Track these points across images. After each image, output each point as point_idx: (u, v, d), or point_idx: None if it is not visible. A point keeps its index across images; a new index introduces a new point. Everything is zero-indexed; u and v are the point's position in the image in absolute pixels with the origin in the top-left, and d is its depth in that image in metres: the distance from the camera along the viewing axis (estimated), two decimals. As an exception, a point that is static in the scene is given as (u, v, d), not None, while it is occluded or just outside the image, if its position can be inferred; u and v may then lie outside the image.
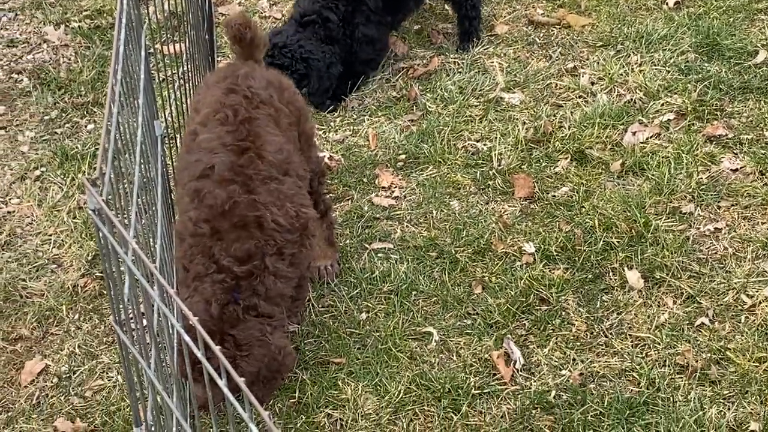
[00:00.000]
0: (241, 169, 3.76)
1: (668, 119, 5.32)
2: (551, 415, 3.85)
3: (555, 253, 4.52)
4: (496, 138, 5.27)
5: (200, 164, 3.81)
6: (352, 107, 5.66)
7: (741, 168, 4.94)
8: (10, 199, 5.21)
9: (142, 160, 3.27)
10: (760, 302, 4.22)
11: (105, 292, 4.47)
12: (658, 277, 4.38)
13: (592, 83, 5.67)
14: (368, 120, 5.53)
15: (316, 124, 5.52)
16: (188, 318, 3.33)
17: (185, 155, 3.94)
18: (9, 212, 5.12)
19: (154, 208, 3.62)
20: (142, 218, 3.45)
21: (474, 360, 4.09)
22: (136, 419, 2.82)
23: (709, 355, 4.02)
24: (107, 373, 4.17)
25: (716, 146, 5.10)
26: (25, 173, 5.32)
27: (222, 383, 2.10)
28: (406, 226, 4.79)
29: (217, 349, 2.09)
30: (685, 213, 4.71)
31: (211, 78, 4.18)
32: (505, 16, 6.20)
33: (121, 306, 2.63)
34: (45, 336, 4.40)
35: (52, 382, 4.17)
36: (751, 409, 3.80)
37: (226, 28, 4.18)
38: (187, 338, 2.19)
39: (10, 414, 4.06)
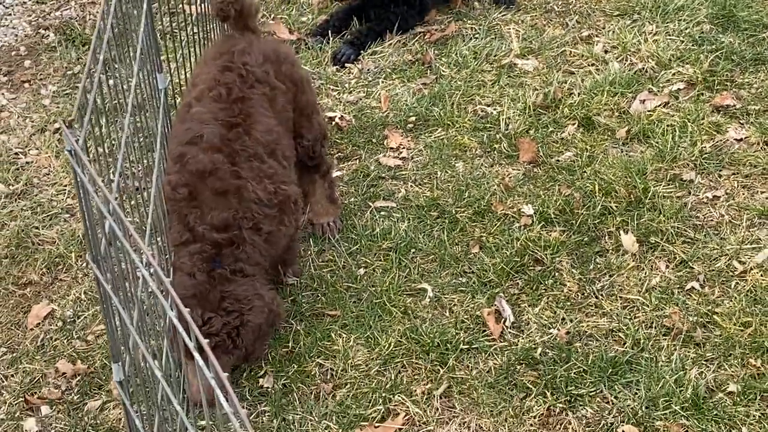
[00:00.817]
0: (229, 142, 3.88)
1: (678, 89, 5.36)
2: (535, 371, 3.93)
3: (553, 216, 4.59)
4: (506, 103, 5.34)
5: (190, 132, 3.93)
6: (368, 69, 5.75)
7: (746, 138, 4.97)
8: (29, 150, 5.36)
9: (135, 110, 3.38)
10: (751, 269, 4.27)
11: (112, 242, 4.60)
12: (653, 241, 4.44)
13: (606, 51, 5.71)
14: (382, 82, 5.62)
15: (332, 85, 5.62)
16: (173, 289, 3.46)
17: (177, 125, 4.06)
18: (27, 162, 5.28)
19: (152, 157, 3.74)
20: (134, 166, 3.57)
21: (466, 317, 4.18)
22: (114, 355, 2.95)
23: (696, 318, 4.08)
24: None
25: (723, 116, 5.14)
26: (45, 126, 5.47)
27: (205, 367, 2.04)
28: (411, 186, 4.88)
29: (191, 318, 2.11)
30: (685, 180, 4.76)
31: (209, 53, 4.27)
32: (524, -16, 6.25)
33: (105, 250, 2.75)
34: (53, 282, 4.55)
35: (56, 325, 4.31)
36: (732, 372, 3.86)
37: (212, 6, 4.25)
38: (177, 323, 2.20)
39: (14, 354, 4.22)
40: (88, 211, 2.68)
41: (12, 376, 4.14)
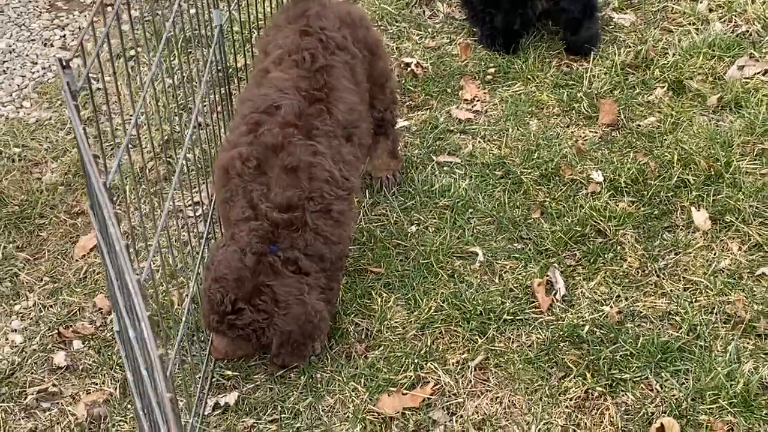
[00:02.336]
0: (308, 118, 3.60)
1: (783, 56, 4.98)
2: (579, 350, 3.70)
3: (624, 185, 4.32)
4: (594, 59, 5.04)
5: (267, 99, 3.63)
6: (454, 16, 5.50)
7: None
8: (104, 75, 5.28)
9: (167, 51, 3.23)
10: (828, 257, 3.94)
11: (167, 177, 4.50)
12: (728, 220, 4.14)
13: (710, 10, 5.36)
14: (467, 30, 5.37)
15: (414, 29, 5.40)
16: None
17: (253, 88, 3.80)
18: (98, 89, 5.20)
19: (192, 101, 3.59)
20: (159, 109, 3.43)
21: (515, 285, 3.97)
22: (113, 304, 2.84)
23: (762, 307, 3.79)
24: (155, 257, 4.20)
25: (827, 89, 4.75)
26: (122, 52, 5.38)
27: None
28: (479, 141, 4.65)
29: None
30: (774, 157, 4.42)
31: (280, 17, 3.99)
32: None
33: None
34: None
35: (100, 259, 4.23)
36: (792, 369, 3.57)
37: None
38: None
39: (56, 285, 4.16)
40: (88, 159, 2.55)
41: (50, 306, 4.09)
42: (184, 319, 3.51)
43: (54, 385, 3.76)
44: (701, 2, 5.38)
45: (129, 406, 3.63)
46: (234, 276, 3.42)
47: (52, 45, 5.73)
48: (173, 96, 4.89)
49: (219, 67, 4.17)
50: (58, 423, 3.64)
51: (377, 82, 4.04)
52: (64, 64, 2.39)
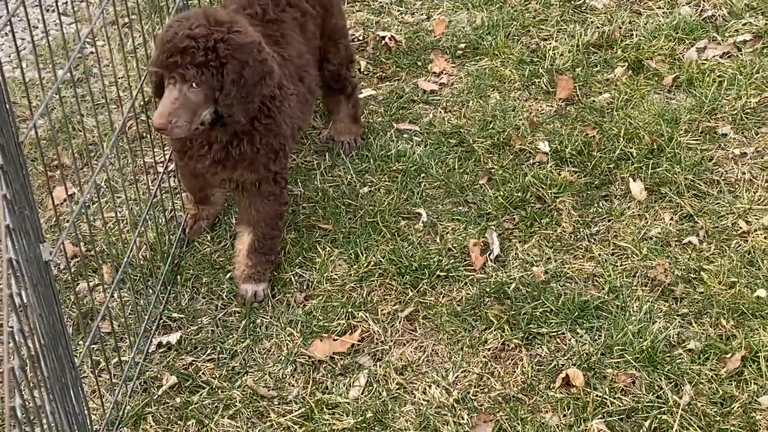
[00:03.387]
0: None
1: (744, 40, 5.15)
2: (502, 305, 3.92)
3: (568, 156, 4.52)
4: (560, 39, 5.24)
5: None
6: (436, -7, 5.72)
7: (797, 97, 4.75)
8: (97, 40, 5.57)
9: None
10: (755, 230, 4.11)
11: (145, 135, 4.77)
12: (663, 192, 4.33)
13: (681, -5, 5.52)
14: (447, 5, 5.58)
15: (396, 4, 5.62)
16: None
17: None
18: (91, 53, 5.49)
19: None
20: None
21: (454, 245, 4.19)
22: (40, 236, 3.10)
23: (682, 273, 3.98)
24: (120, 208, 4.47)
25: (781, 72, 4.91)
26: (116, 19, 5.65)
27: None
28: (440, 111, 4.87)
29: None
30: (718, 134, 4.60)
31: None
32: None
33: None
34: (82, 168, 4.75)
35: (71, 208, 4.51)
36: (699, 330, 3.76)
37: None
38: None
39: (27, 231, 4.44)
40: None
41: (22, 251, 4.35)
42: (125, 259, 3.75)
43: None
44: (672, -13, 5.55)
45: (81, 342, 3.89)
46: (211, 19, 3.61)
47: (53, 11, 6.02)
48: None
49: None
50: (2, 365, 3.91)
51: (331, 37, 4.32)
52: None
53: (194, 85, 3.52)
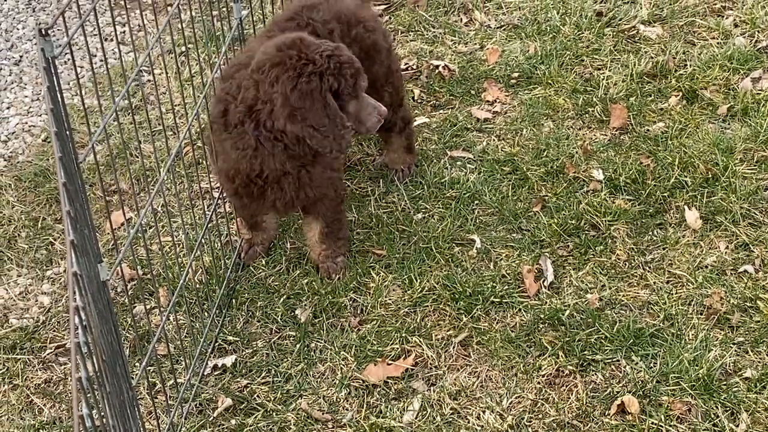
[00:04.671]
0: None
1: (800, 71, 5.13)
2: (556, 332, 3.91)
3: (623, 184, 4.52)
4: (614, 68, 5.25)
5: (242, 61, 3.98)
6: (490, 24, 5.75)
7: None
8: (154, 69, 5.65)
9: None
10: (812, 259, 4.08)
11: (201, 161, 4.83)
12: (718, 220, 4.31)
13: (735, 25, 5.52)
14: (500, 35, 5.61)
15: (450, 35, 5.66)
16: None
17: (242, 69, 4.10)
18: (149, 80, 5.57)
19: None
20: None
21: (508, 272, 4.19)
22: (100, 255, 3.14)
23: (738, 302, 3.95)
24: (176, 232, 4.53)
25: (837, 102, 4.89)
26: (173, 48, 5.74)
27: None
28: (493, 140, 4.89)
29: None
30: (773, 164, 4.58)
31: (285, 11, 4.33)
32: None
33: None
34: (140, 192, 4.81)
35: (128, 233, 4.57)
36: (756, 358, 3.73)
37: None
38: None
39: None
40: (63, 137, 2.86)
41: (80, 274, 4.42)
42: (181, 282, 3.80)
43: (71, 341, 4.09)
44: (726, 18, 5.54)
45: (137, 363, 3.93)
46: None
47: (111, 40, 6.12)
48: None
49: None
50: (71, 375, 3.96)
51: (374, 85, 4.13)
52: (43, 32, 2.65)
53: None
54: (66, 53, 5.98)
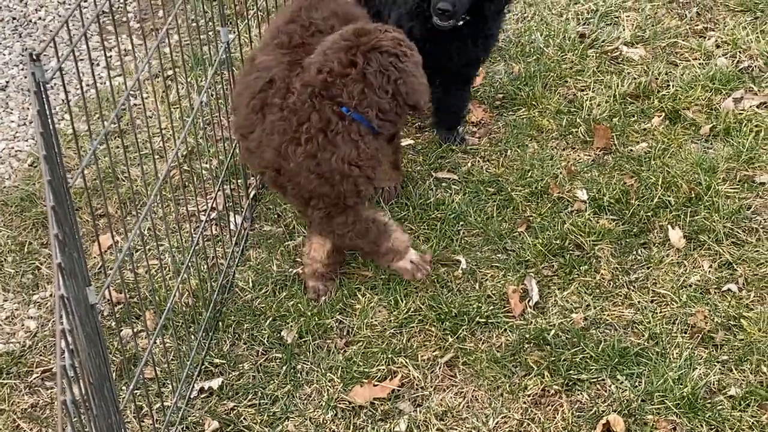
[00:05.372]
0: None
1: (781, 90, 5.18)
2: (542, 352, 3.93)
3: (607, 204, 4.55)
4: (597, 89, 5.29)
5: (259, 80, 4.03)
6: (474, 46, 5.79)
7: (836, 147, 4.77)
8: (141, 92, 5.66)
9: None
10: (794, 278, 4.12)
11: (188, 184, 4.84)
12: (702, 240, 4.34)
13: (717, 46, 5.57)
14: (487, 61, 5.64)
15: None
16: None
17: (243, 77, 4.17)
18: (135, 104, 5.59)
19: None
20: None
21: (493, 292, 4.21)
22: (87, 278, 3.15)
23: (722, 320, 3.98)
24: (163, 255, 4.54)
25: (819, 121, 4.93)
26: (159, 72, 5.77)
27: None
28: (478, 160, 4.91)
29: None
30: (756, 183, 4.62)
31: (279, 14, 4.40)
32: (650, -28, 6.14)
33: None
34: (127, 216, 4.82)
35: (115, 256, 4.57)
36: (740, 376, 3.75)
37: None
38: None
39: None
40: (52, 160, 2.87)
41: (66, 297, 4.42)
42: (168, 305, 3.81)
43: (58, 365, 4.09)
44: (708, 39, 5.59)
45: (124, 387, 3.94)
46: None
47: (98, 64, 6.14)
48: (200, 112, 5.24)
49: (229, 82, 4.50)
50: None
51: None
52: (34, 57, 2.68)
53: None
54: (55, 77, 6.01)
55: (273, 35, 4.18)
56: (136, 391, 3.83)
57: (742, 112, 5.03)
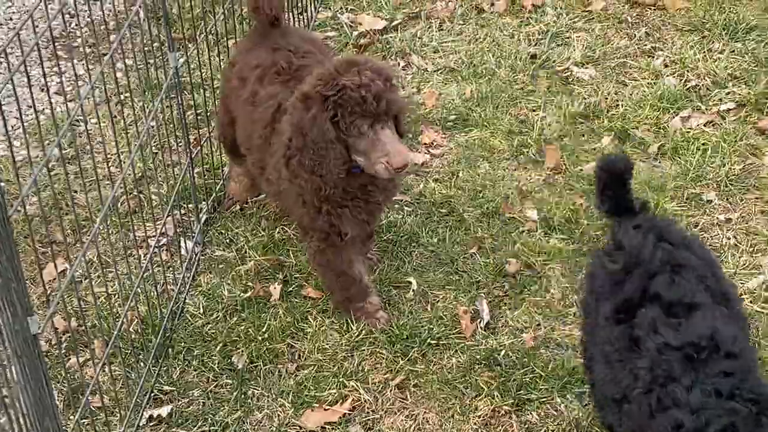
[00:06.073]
0: None
1: (728, 108, 5.22)
2: (492, 372, 3.93)
3: (557, 224, 4.56)
4: (548, 109, 5.32)
5: (269, 109, 4.08)
6: (426, 68, 5.80)
7: (782, 164, 4.81)
8: (91, 118, 5.64)
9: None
10: (741, 294, 4.13)
11: (137, 210, 4.81)
12: (651, 257, 4.35)
13: (665, 66, 5.61)
14: (437, 79, 5.67)
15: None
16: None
17: (252, 113, 4.18)
18: (86, 130, 5.55)
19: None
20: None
21: (445, 313, 4.21)
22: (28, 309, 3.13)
23: (671, 338, 3.99)
24: (112, 283, 4.50)
25: (765, 140, 4.98)
26: (111, 97, 5.74)
27: None
28: (430, 182, 4.92)
29: None
30: (703, 200, 4.66)
31: (243, 45, 4.43)
32: (606, -7, 6.19)
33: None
34: (74, 243, 4.79)
35: (64, 284, 4.53)
36: (689, 394, 3.76)
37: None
38: None
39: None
40: None
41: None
42: (116, 333, 3.78)
43: None
44: (657, 59, 5.64)
45: (71, 416, 3.90)
46: None
47: (48, 90, 6.10)
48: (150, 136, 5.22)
49: (179, 107, 4.48)
50: None
51: None
52: None
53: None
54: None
55: (268, 64, 4.20)
56: (83, 420, 3.79)
57: (689, 130, 5.07)
